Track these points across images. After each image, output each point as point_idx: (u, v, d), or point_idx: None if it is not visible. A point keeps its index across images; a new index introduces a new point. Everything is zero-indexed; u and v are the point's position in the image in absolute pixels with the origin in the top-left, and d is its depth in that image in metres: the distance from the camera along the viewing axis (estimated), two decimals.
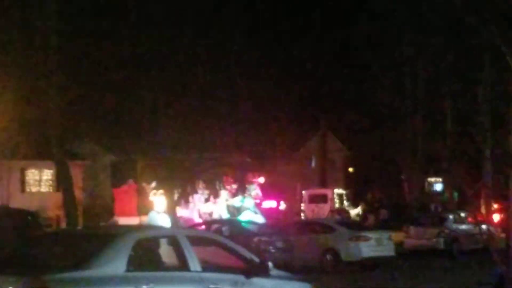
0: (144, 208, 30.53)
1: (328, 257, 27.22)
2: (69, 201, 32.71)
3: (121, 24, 32.03)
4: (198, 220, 32.00)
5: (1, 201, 39.05)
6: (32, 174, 44.78)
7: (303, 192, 51.03)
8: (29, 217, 34.81)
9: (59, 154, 32.88)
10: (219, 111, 34.47)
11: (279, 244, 25.93)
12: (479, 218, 39.44)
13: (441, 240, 34.77)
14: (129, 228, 12.19)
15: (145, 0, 33.05)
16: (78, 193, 36.67)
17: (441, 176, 51.84)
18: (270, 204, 42.05)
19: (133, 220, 30.37)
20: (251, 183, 35.00)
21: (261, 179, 36.72)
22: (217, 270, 10.59)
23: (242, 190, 34.48)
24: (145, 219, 28.46)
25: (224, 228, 26.90)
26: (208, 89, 33.92)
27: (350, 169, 63.03)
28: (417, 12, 42.12)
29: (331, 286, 21.69)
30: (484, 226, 37.52)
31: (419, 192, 48.74)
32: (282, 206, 45.37)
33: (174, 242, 10.37)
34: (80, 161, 41.95)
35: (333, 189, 50.84)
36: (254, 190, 34.67)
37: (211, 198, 33.94)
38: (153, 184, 32.45)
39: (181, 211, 32.92)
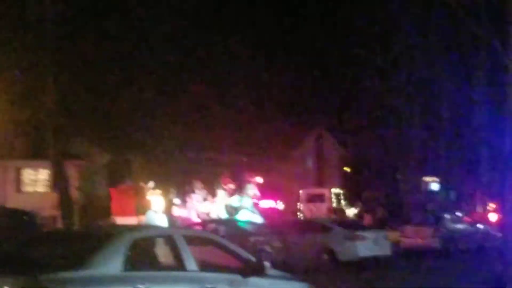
0: (142, 208, 30.46)
1: (325, 256, 27.22)
2: (65, 201, 32.68)
3: (117, 24, 31.99)
4: (196, 219, 31.93)
5: None
6: (28, 174, 44.68)
7: (301, 191, 51.03)
8: (25, 217, 34.84)
9: (55, 154, 32.84)
10: (215, 111, 34.47)
11: (276, 243, 25.90)
12: (475, 218, 39.57)
13: (438, 239, 34.80)
14: (126, 228, 12.18)
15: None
16: (74, 193, 36.63)
17: (438, 175, 51.84)
18: (268, 203, 42.06)
19: (131, 220, 30.29)
20: (249, 182, 34.92)
21: (259, 179, 36.67)
22: (213, 269, 10.58)
23: (240, 189, 34.42)
24: (143, 219, 28.46)
25: (220, 228, 26.87)
26: (204, 89, 33.92)
27: (346, 169, 63.05)
28: (413, 12, 42.18)
29: (328, 285, 21.69)
30: (480, 226, 37.70)
31: (415, 192, 48.77)
32: (280, 205, 45.40)
33: (170, 242, 10.36)
34: (76, 160, 41.86)
35: (331, 188, 50.83)
36: (252, 190, 34.57)
37: (209, 198, 33.88)
38: (151, 184, 32.39)
39: (179, 211, 32.86)
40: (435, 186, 54.61)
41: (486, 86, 40.67)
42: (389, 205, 46.77)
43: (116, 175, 42.28)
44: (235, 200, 33.82)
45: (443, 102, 45.56)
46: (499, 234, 29.14)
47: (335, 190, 51.01)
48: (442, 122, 46.11)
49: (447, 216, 37.11)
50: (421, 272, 26.03)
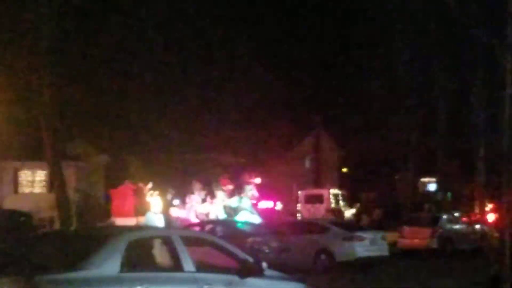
0: (141, 209, 30.46)
1: (322, 257, 27.19)
2: (62, 202, 32.63)
3: (115, 25, 31.98)
4: (195, 220, 31.95)
5: None
6: (25, 175, 44.64)
7: (299, 192, 51.00)
8: (22, 218, 34.81)
9: (53, 155, 32.80)
10: (212, 112, 34.48)
11: (273, 244, 25.90)
12: (473, 218, 39.59)
13: (435, 240, 34.81)
14: (123, 229, 12.18)
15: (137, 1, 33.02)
16: (72, 194, 36.58)
17: (435, 176, 51.87)
18: (266, 204, 42.03)
19: (130, 221, 30.30)
20: (248, 183, 34.90)
21: (258, 180, 36.66)
22: (211, 270, 10.58)
23: (238, 190, 34.42)
24: (142, 220, 28.44)
25: (218, 229, 26.87)
26: (201, 89, 33.92)
27: (344, 169, 63.04)
28: (411, 12, 42.20)
29: (325, 286, 21.69)
30: (478, 226, 37.73)
31: (413, 192, 48.79)
32: (279, 206, 45.37)
33: (168, 243, 10.35)
34: (73, 161, 41.80)
35: (329, 189, 50.80)
36: (251, 191, 34.56)
37: (208, 199, 33.89)
38: (150, 185, 32.39)
39: (178, 212, 32.88)
40: (432, 187, 54.68)
41: (484, 87, 40.68)
42: (386, 205, 46.80)
43: (114, 176, 42.24)
44: (234, 201, 33.85)
45: (441, 102, 45.56)
46: (496, 234, 29.24)
47: (334, 190, 50.97)
48: (439, 122, 46.11)
49: (444, 216, 37.13)
50: (419, 273, 26.03)
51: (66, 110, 32.36)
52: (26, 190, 44.43)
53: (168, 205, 31.39)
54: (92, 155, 43.46)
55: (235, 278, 10.56)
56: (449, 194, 49.60)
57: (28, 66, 31.60)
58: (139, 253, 10.20)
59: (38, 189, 44.36)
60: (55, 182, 33.67)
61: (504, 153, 15.11)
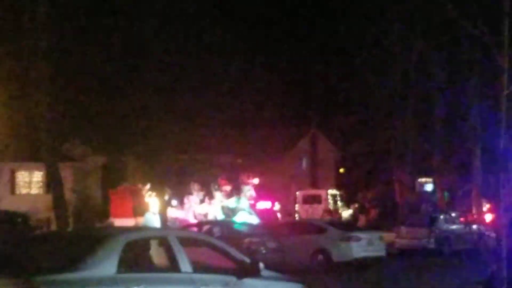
0: (140, 210, 30.49)
1: (319, 257, 27.21)
2: (59, 203, 32.60)
3: (112, 26, 31.94)
4: (193, 221, 32.01)
5: None
6: (22, 176, 44.68)
7: (297, 192, 51.05)
8: (19, 219, 34.81)
9: (49, 156, 32.77)
10: (209, 112, 34.45)
11: (270, 244, 25.93)
12: (470, 218, 39.61)
13: (432, 240, 34.85)
14: (120, 230, 12.17)
15: (134, 0, 32.96)
16: (69, 195, 36.56)
17: (432, 176, 51.87)
18: (264, 205, 42.09)
19: (129, 222, 30.34)
20: (246, 184, 34.94)
21: (256, 180, 36.70)
22: (208, 271, 10.57)
23: (237, 191, 34.45)
24: (141, 220, 28.46)
25: (215, 229, 26.90)
26: (199, 90, 33.89)
27: (341, 170, 63.06)
28: (408, 11, 42.21)
29: (322, 286, 21.69)
30: (475, 226, 37.75)
31: (409, 193, 48.78)
32: (277, 207, 45.41)
33: (164, 243, 10.35)
34: (70, 162, 41.83)
35: (327, 189, 50.86)
36: (249, 191, 34.61)
37: (206, 199, 33.93)
38: (148, 186, 32.42)
39: (176, 212, 32.93)
40: (429, 187, 54.67)
41: (480, 86, 40.69)
42: (383, 206, 46.83)
43: (111, 177, 42.24)
44: (232, 202, 33.91)
45: (437, 102, 45.57)
46: (493, 234, 29.24)
47: (332, 191, 51.04)
48: (436, 122, 46.12)
49: (441, 216, 37.16)
50: (416, 273, 26.05)
51: (63, 111, 32.31)
52: (23, 191, 44.48)
53: (165, 205, 31.43)
54: (89, 156, 43.47)
55: (232, 278, 10.56)
56: (446, 194, 49.61)
57: (25, 67, 31.57)
58: (136, 253, 10.21)
59: (35, 190, 44.40)
60: (52, 183, 33.64)
61: (501, 152, 15.09)
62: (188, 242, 10.77)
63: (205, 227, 27.83)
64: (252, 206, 35.21)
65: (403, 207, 45.36)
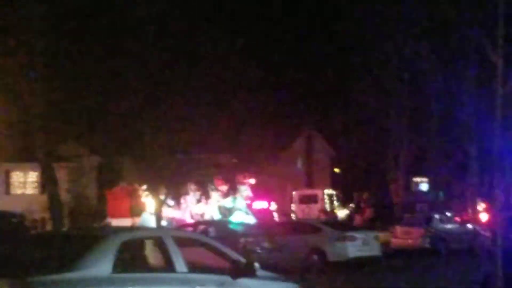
0: (137, 210, 30.47)
1: (315, 257, 27.20)
2: (54, 203, 32.55)
3: (106, 26, 31.88)
4: (190, 221, 32.04)
5: None
6: (17, 176, 44.61)
7: (294, 192, 51.05)
8: (14, 219, 34.76)
9: (44, 156, 32.73)
10: (204, 112, 34.40)
11: (266, 244, 25.92)
12: (465, 218, 39.65)
13: (428, 239, 34.87)
14: (115, 230, 12.15)
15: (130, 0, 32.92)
16: (64, 195, 36.53)
17: (427, 175, 51.95)
18: (261, 204, 42.10)
19: (126, 222, 30.33)
20: (242, 184, 34.97)
21: (252, 180, 36.74)
22: (203, 271, 10.57)
23: (233, 191, 34.47)
24: (137, 221, 28.46)
25: (210, 229, 26.89)
26: (193, 90, 33.85)
27: (336, 169, 63.09)
28: (402, 12, 42.22)
29: (318, 286, 21.70)
30: (470, 226, 37.78)
31: (405, 192, 48.84)
32: (273, 206, 45.44)
33: (160, 243, 10.34)
34: (66, 162, 41.80)
35: (323, 189, 50.86)
36: (245, 191, 34.65)
37: (203, 199, 33.94)
38: (145, 186, 32.41)
39: (173, 212, 32.95)
40: (424, 187, 54.77)
41: (475, 85, 40.73)
42: (379, 205, 46.85)
43: (106, 177, 42.20)
44: (228, 202, 33.94)
45: (432, 101, 45.60)
46: (489, 234, 29.26)
47: (328, 191, 51.04)
48: (431, 122, 46.17)
49: (437, 216, 37.18)
50: (411, 273, 26.07)
51: (57, 111, 32.25)
52: (18, 191, 44.42)
53: (160, 205, 31.44)
54: (84, 156, 43.43)
55: (228, 278, 10.56)
56: (441, 193, 49.67)
57: (19, 67, 31.51)
58: (132, 253, 10.20)
59: (30, 190, 44.35)
60: (47, 183, 33.60)
61: (496, 151, 15.12)
62: (183, 242, 10.76)
63: (201, 227, 27.82)
64: (249, 206, 35.23)
65: (398, 206, 45.40)
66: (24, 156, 38.40)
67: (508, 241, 15.91)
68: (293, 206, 49.67)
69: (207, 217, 32.66)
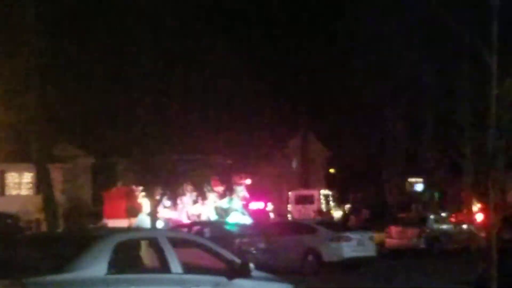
0: (133, 211, 30.47)
1: (310, 257, 27.20)
2: (49, 204, 32.52)
3: (101, 27, 31.85)
4: (186, 222, 32.04)
5: None
6: (11, 177, 44.53)
7: (290, 193, 51.06)
8: (9, 220, 34.74)
9: (39, 157, 32.70)
10: (199, 113, 34.40)
11: (261, 245, 25.93)
12: (460, 218, 39.70)
13: (423, 240, 34.92)
14: (110, 231, 12.15)
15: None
16: (59, 196, 36.50)
17: (422, 176, 51.97)
18: (257, 205, 42.12)
19: (123, 223, 30.33)
20: (238, 184, 34.99)
21: (248, 181, 36.76)
22: (198, 272, 10.57)
23: (229, 191, 34.47)
24: (134, 222, 28.46)
25: (205, 230, 26.89)
26: (188, 91, 33.84)
27: (331, 170, 63.10)
28: (396, 12, 42.26)
29: (313, 286, 21.71)
30: (465, 226, 37.84)
31: (400, 193, 48.88)
32: (269, 207, 45.45)
33: (155, 244, 10.34)
34: (60, 163, 41.76)
35: (318, 189, 50.87)
36: (241, 192, 34.68)
37: (199, 200, 33.93)
38: (141, 187, 32.41)
39: (170, 213, 32.94)
40: (419, 187, 54.80)
41: (470, 86, 40.76)
42: (374, 206, 46.90)
43: (101, 178, 42.19)
44: (225, 202, 33.96)
45: (427, 102, 45.65)
46: (483, 234, 29.30)
47: (324, 191, 51.05)
48: (426, 122, 46.21)
49: (432, 216, 37.25)
50: (406, 273, 26.08)
51: (52, 112, 32.22)
52: (13, 192, 44.34)
53: (155, 206, 31.43)
54: (79, 157, 43.42)
55: (223, 279, 10.56)
56: (436, 194, 49.72)
57: (15, 68, 31.47)
58: (126, 255, 10.19)
59: (25, 191, 44.27)
60: (42, 184, 33.57)
61: (490, 153, 15.14)
62: (178, 243, 10.77)
63: (196, 228, 27.82)
64: (245, 207, 35.25)
65: (393, 207, 45.45)
66: (19, 157, 38.34)
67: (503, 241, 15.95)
68: (289, 207, 49.69)
69: (203, 218, 32.66)
